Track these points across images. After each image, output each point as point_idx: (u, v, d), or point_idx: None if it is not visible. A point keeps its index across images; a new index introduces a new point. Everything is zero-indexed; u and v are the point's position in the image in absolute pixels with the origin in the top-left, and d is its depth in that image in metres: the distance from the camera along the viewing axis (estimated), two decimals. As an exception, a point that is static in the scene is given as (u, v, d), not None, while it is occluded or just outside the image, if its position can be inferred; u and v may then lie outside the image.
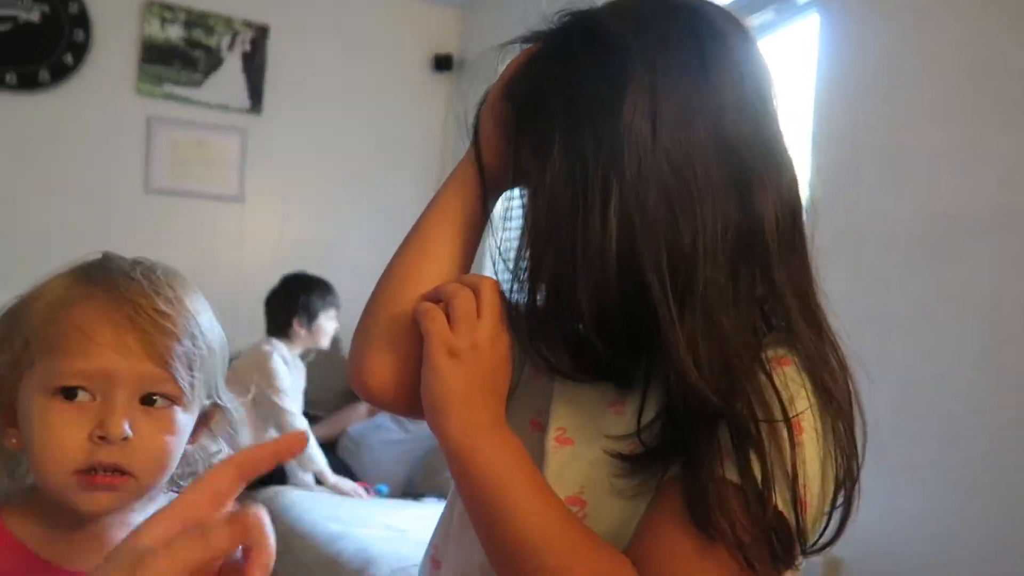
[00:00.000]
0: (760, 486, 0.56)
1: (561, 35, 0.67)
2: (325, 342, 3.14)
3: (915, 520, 1.73)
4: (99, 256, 0.73)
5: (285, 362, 2.99)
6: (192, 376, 0.70)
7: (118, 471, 0.66)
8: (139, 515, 0.72)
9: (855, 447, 0.62)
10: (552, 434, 0.67)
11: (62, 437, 0.66)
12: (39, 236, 3.04)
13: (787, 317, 0.63)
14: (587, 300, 0.61)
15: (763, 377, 0.59)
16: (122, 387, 0.67)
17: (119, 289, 0.68)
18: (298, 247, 3.81)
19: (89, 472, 0.66)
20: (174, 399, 0.69)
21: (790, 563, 0.59)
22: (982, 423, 1.68)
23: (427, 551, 0.78)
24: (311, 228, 3.85)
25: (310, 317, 3.06)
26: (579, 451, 0.66)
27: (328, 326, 3.10)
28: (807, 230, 0.66)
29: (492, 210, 0.73)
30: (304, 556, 2.12)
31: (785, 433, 0.57)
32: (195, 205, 3.66)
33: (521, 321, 0.64)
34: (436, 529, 0.77)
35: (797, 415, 0.58)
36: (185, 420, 0.71)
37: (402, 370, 0.68)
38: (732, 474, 0.57)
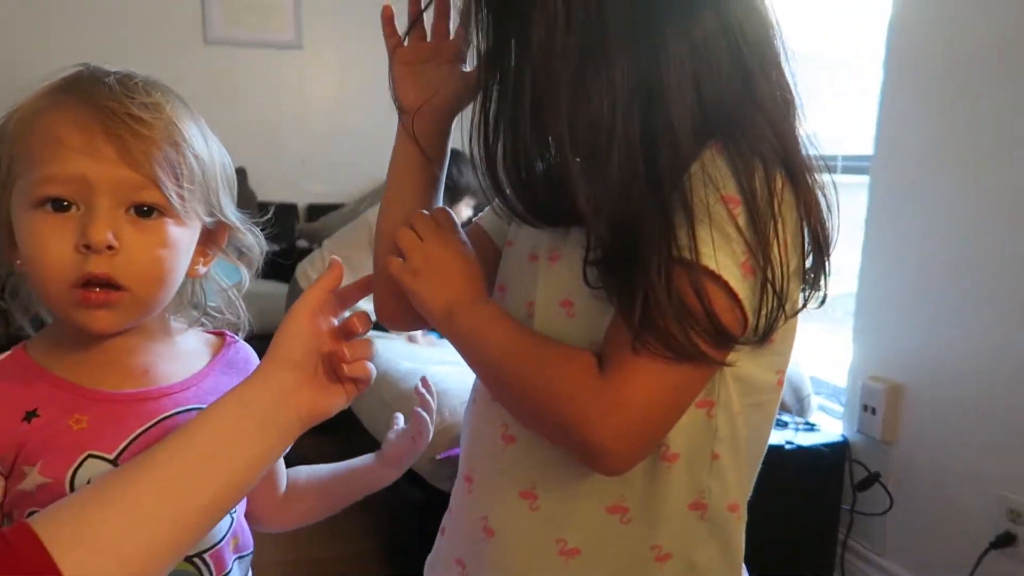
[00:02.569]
0: (689, 254, 0.60)
1: None
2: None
3: (976, 346, 1.72)
4: (79, 67, 0.70)
5: None
6: (179, 186, 0.68)
7: (110, 285, 0.66)
8: (160, 342, 0.75)
9: (821, 221, 0.65)
10: (545, 255, 0.75)
11: (50, 248, 0.65)
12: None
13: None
14: (510, 155, 0.67)
15: (678, 193, 0.62)
16: (102, 195, 0.65)
17: (90, 95, 0.66)
18: (360, 93, 3.78)
19: (85, 287, 0.65)
20: (163, 210, 0.67)
21: (725, 340, 0.61)
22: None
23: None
24: (371, 73, 3.80)
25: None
26: (565, 264, 0.73)
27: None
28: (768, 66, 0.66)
29: (443, 140, 0.82)
30: (381, 392, 2.24)
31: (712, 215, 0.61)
32: (254, 54, 3.64)
33: (487, 184, 0.71)
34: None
35: (724, 195, 0.61)
36: (180, 234, 0.70)
37: (399, 303, 0.80)
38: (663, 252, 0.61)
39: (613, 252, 0.64)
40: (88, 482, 0.65)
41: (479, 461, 0.79)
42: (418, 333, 2.86)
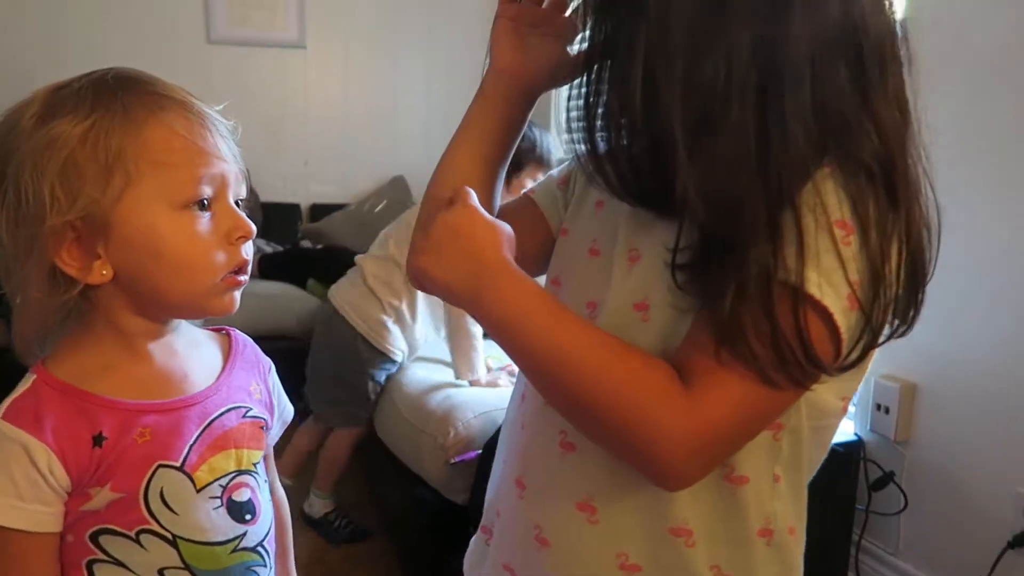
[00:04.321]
0: (794, 278, 0.57)
1: None
2: None
3: (991, 344, 1.70)
4: (98, 74, 0.70)
5: None
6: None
7: (242, 269, 0.72)
8: (184, 343, 0.76)
9: (922, 250, 0.62)
10: (625, 254, 0.70)
11: (207, 244, 0.69)
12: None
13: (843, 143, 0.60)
14: (613, 118, 0.64)
15: (791, 212, 0.58)
16: (229, 190, 0.71)
17: (173, 96, 0.70)
18: (364, 93, 3.77)
19: (235, 273, 0.71)
20: (240, 201, 0.73)
21: (815, 370, 0.58)
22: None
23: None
24: (375, 74, 3.79)
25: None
26: (646, 264, 0.68)
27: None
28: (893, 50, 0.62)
29: (525, 111, 0.78)
30: (399, 407, 2.22)
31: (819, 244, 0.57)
32: (258, 54, 3.62)
33: (585, 159, 0.67)
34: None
35: (835, 220, 0.58)
36: None
37: None
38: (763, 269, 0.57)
39: (708, 253, 0.60)
40: (160, 491, 0.69)
41: (533, 466, 0.75)
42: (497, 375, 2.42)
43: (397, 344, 2.27)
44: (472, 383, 2.23)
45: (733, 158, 0.58)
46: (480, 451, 1.88)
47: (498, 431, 1.88)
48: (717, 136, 0.58)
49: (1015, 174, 1.65)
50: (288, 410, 0.87)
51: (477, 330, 2.20)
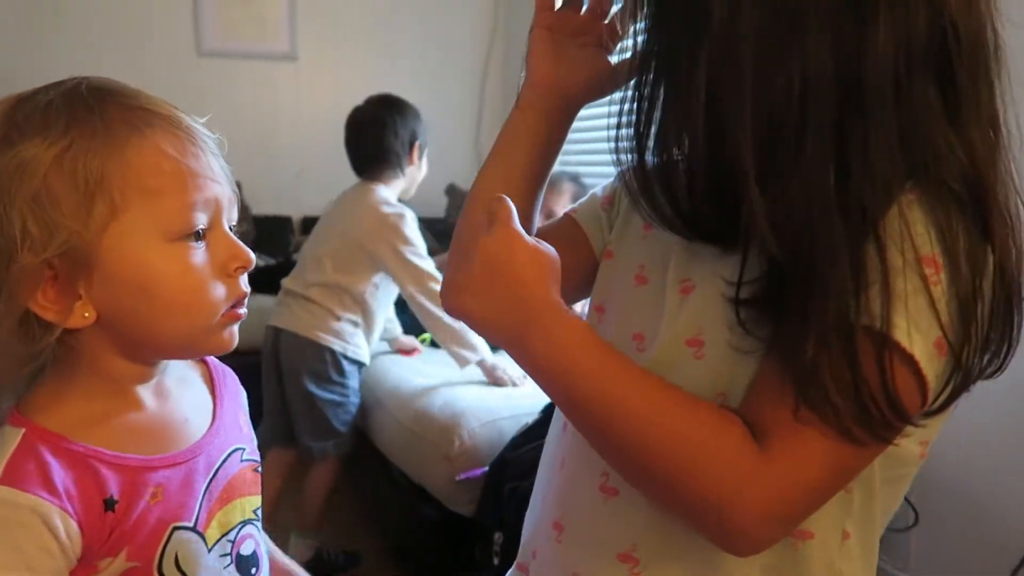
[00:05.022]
0: (880, 324, 0.51)
1: None
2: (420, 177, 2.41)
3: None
4: (69, 85, 0.61)
5: None
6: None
7: (241, 302, 0.65)
8: (167, 373, 0.69)
9: (1017, 282, 0.55)
10: (677, 284, 0.65)
11: (203, 279, 0.61)
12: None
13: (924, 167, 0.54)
14: (669, 147, 0.58)
15: (874, 243, 0.52)
16: (224, 215, 0.64)
17: (158, 111, 0.61)
18: (356, 104, 3.73)
19: (234, 307, 0.64)
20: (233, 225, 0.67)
21: (901, 423, 0.53)
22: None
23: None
24: (366, 86, 3.75)
25: (422, 146, 2.36)
26: (700, 296, 0.63)
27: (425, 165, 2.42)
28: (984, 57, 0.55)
29: (564, 125, 0.74)
30: (392, 410, 2.18)
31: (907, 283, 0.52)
32: (248, 66, 3.58)
33: (632, 181, 0.61)
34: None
35: (923, 256, 0.52)
36: None
37: None
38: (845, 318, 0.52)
39: (779, 291, 0.54)
40: (175, 556, 0.61)
41: (572, 510, 0.69)
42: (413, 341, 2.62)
43: (363, 346, 2.24)
44: (482, 366, 2.14)
45: (810, 189, 0.52)
46: (487, 468, 1.83)
47: (505, 448, 1.84)
48: (792, 165, 0.52)
49: None
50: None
51: None
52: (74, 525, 0.58)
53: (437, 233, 3.04)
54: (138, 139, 0.59)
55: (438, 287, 2.02)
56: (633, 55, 0.62)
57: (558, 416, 0.75)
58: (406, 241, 2.14)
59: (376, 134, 2.25)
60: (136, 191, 0.58)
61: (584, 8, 0.72)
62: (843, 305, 0.51)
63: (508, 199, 0.62)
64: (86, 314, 0.59)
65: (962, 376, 0.54)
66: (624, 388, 0.56)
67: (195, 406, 0.70)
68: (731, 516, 0.53)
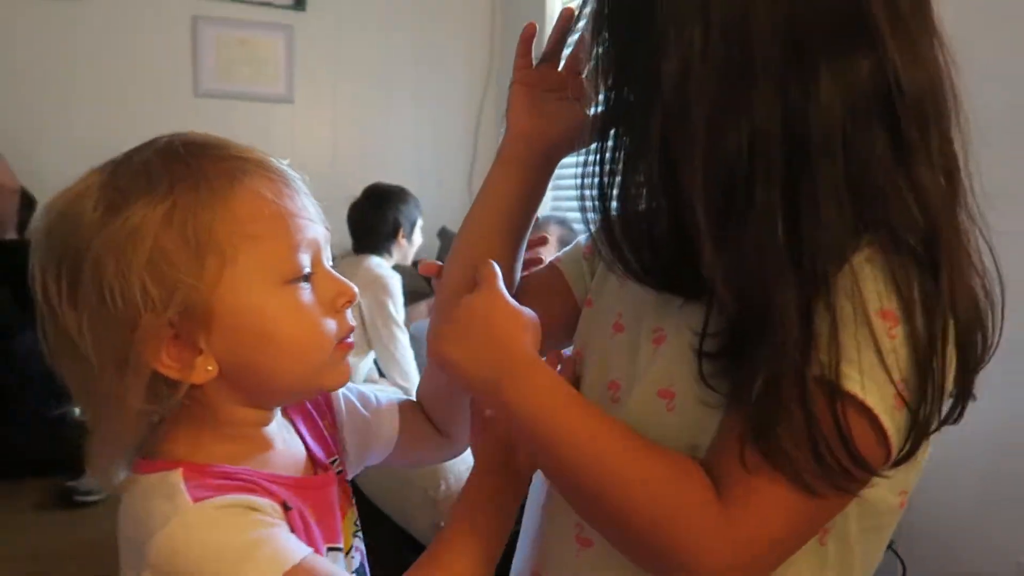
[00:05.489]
0: (829, 372, 0.52)
1: None
2: (413, 253, 2.97)
3: (987, 405, 1.67)
4: (161, 144, 0.63)
5: None
6: None
7: (348, 335, 0.66)
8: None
9: (973, 333, 0.56)
10: (646, 333, 0.66)
11: (316, 317, 0.63)
12: (90, 144, 3.01)
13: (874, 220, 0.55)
14: (630, 202, 0.61)
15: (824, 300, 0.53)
16: (323, 252, 0.66)
17: (251, 157, 0.63)
18: (351, 147, 3.77)
19: (342, 342, 0.65)
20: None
21: (863, 474, 0.53)
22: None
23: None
24: (361, 128, 3.79)
25: (412, 227, 2.92)
26: (672, 347, 0.64)
27: (419, 236, 2.98)
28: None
29: (544, 177, 0.76)
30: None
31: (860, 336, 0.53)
32: (245, 108, 3.62)
33: (600, 237, 0.64)
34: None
35: (877, 310, 0.53)
36: None
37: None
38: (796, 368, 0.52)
39: (736, 344, 0.55)
40: None
41: (549, 560, 0.71)
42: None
43: None
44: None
45: (762, 245, 0.53)
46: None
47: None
48: (744, 220, 0.54)
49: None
50: (384, 396, 0.80)
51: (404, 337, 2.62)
52: (280, 510, 0.59)
53: (428, 276, 3.06)
54: (238, 188, 0.60)
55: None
56: (599, 113, 0.64)
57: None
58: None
59: (362, 229, 2.86)
60: (243, 239, 0.59)
61: (561, 65, 0.75)
62: (793, 357, 0.52)
63: (494, 263, 0.66)
64: (209, 367, 0.60)
65: (922, 427, 0.54)
66: (588, 436, 0.57)
67: (292, 436, 0.71)
68: (697, 570, 0.54)
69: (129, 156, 0.62)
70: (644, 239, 0.61)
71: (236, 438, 0.64)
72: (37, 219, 0.61)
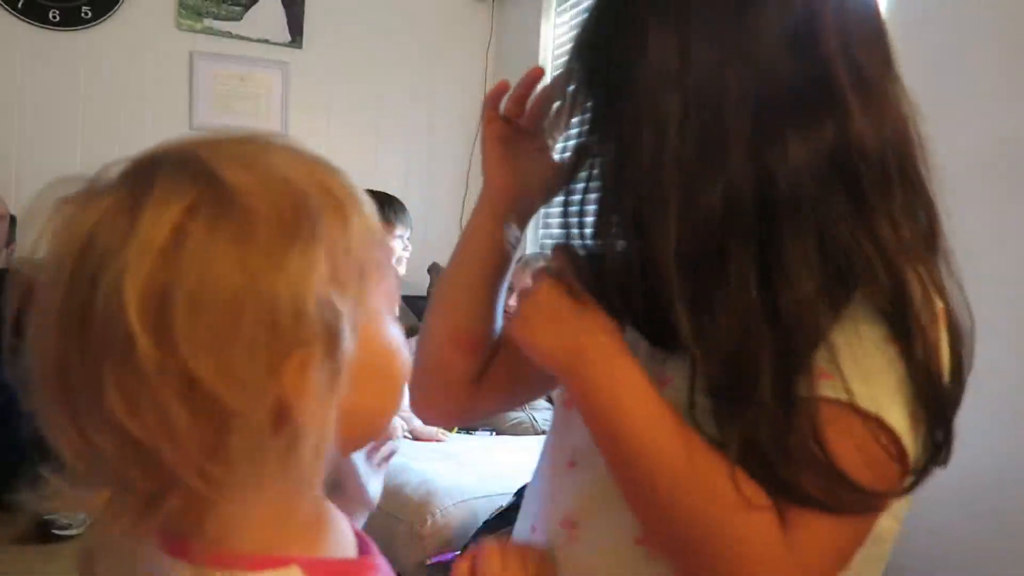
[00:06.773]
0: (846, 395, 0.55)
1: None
2: (402, 268, 2.69)
3: (971, 450, 1.68)
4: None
5: None
6: None
7: None
8: None
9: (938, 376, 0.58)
10: (653, 376, 0.66)
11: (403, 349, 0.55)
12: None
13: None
14: (609, 264, 0.61)
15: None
16: None
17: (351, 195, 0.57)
18: (342, 183, 3.79)
19: None
20: None
21: (876, 501, 0.57)
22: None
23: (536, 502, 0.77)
24: (355, 166, 3.81)
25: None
26: (676, 390, 0.64)
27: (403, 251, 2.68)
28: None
29: (522, 227, 0.78)
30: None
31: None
32: (239, 142, 3.65)
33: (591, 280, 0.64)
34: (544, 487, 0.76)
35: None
36: None
37: (446, 407, 0.78)
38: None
39: (724, 401, 0.57)
40: None
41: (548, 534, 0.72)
42: (437, 430, 2.59)
43: None
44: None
45: (734, 302, 0.55)
46: (459, 552, 1.80)
47: (478, 530, 1.81)
48: (717, 280, 0.55)
49: (987, 263, 1.67)
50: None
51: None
52: None
53: (419, 311, 3.05)
54: (354, 217, 0.53)
55: None
56: (569, 165, 0.65)
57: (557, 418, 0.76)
58: None
59: None
60: (368, 275, 0.50)
61: (524, 118, 0.76)
62: (779, 413, 0.54)
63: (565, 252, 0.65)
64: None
65: (938, 450, 0.58)
66: (669, 442, 0.58)
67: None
68: None
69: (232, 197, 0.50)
70: (622, 302, 0.62)
71: (302, 500, 0.50)
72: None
